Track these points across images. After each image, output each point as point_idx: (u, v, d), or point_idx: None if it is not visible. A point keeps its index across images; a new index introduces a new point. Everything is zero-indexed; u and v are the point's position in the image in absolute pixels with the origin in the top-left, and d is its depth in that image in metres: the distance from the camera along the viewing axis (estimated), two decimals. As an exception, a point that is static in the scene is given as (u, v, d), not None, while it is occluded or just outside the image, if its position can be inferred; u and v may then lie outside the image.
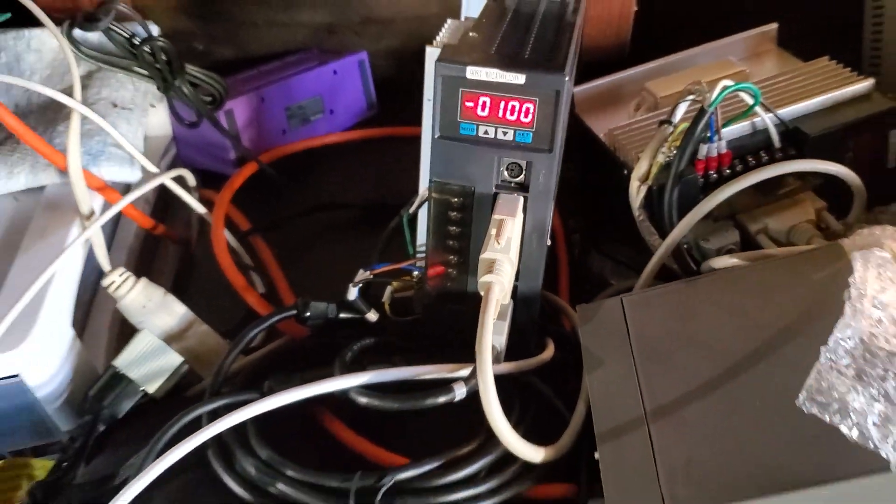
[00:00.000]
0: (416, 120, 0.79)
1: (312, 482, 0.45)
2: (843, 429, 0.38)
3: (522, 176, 0.49)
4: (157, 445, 0.47)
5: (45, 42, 0.67)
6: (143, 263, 0.70)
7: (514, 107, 0.48)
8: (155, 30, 0.69)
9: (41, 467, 0.55)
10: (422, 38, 0.85)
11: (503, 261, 0.47)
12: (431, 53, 0.51)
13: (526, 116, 0.47)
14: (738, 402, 0.44)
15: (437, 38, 0.53)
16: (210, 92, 0.70)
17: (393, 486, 0.45)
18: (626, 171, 0.63)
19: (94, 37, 0.67)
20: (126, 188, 0.66)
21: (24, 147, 0.60)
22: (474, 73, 0.46)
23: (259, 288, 0.66)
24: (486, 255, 0.47)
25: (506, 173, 0.50)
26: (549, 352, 0.54)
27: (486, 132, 0.48)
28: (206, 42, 0.73)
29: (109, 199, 0.60)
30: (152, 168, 0.64)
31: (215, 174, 0.75)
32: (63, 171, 0.60)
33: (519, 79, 0.46)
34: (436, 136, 0.49)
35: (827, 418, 0.38)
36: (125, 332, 0.62)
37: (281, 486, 0.45)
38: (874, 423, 0.38)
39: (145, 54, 0.66)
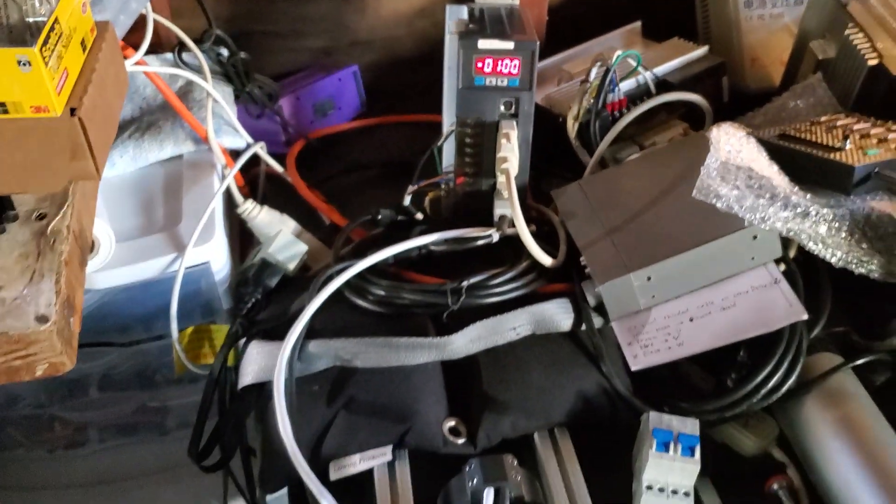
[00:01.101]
0: (397, 112, 1.05)
1: (422, 288, 0.68)
2: (718, 205, 0.64)
3: (514, 108, 0.72)
4: (315, 287, 0.67)
5: (150, 63, 0.86)
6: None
7: (506, 63, 0.70)
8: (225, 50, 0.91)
9: (217, 331, 0.74)
10: (393, 54, 1.12)
11: (512, 156, 0.71)
12: (451, 39, 0.73)
13: (515, 69, 0.71)
14: (656, 212, 0.69)
15: (449, 30, 0.76)
16: (268, 92, 0.92)
17: (468, 286, 0.68)
18: (561, 120, 0.87)
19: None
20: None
21: (167, 128, 0.80)
22: (483, 44, 0.70)
23: (325, 220, 0.87)
24: (501, 154, 0.71)
25: (503, 108, 0.73)
26: (533, 226, 0.80)
27: (490, 82, 0.71)
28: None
29: (227, 161, 0.82)
30: (250, 140, 0.85)
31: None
32: (196, 142, 0.81)
33: (510, 45, 0.70)
34: (459, 88, 0.72)
35: (709, 200, 0.66)
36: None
37: (405, 294, 0.68)
38: (735, 200, 0.65)
39: (230, 67, 0.89)
